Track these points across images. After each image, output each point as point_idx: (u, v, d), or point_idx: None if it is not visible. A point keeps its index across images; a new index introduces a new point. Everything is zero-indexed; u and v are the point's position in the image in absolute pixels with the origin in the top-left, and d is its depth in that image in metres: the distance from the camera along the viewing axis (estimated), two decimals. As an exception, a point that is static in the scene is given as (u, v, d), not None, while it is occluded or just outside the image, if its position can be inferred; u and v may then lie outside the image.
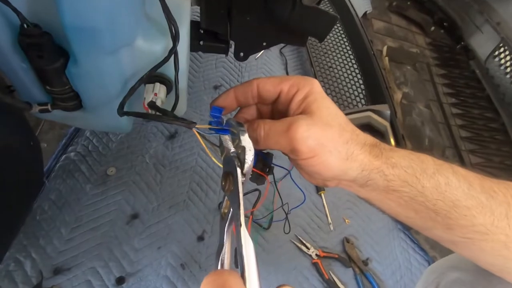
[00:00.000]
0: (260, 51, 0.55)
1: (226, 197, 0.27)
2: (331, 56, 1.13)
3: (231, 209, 0.26)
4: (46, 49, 0.26)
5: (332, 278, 0.72)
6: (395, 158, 0.27)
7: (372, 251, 0.79)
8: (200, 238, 0.70)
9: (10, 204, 0.37)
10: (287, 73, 1.10)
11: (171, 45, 0.33)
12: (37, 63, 0.27)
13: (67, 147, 0.75)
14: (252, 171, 0.30)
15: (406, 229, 0.84)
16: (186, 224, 0.71)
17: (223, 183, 0.26)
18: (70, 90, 0.32)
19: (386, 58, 1.27)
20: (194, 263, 0.67)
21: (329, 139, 0.26)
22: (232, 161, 0.25)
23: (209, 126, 0.28)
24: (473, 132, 1.18)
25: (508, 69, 1.21)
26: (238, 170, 0.24)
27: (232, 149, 0.27)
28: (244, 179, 0.25)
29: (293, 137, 0.25)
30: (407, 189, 0.27)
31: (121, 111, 0.29)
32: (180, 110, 0.39)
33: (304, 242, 0.76)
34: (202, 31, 0.56)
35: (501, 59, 1.24)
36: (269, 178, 0.31)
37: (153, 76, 0.34)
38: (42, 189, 0.67)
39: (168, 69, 0.34)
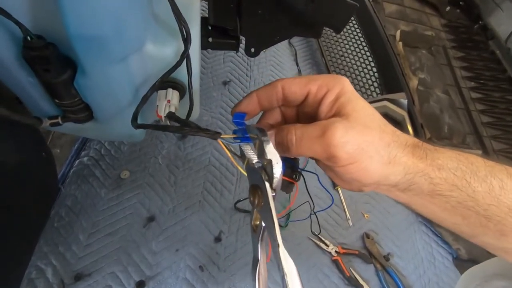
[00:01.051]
0: (272, 45, 0.52)
1: (255, 209, 0.26)
2: (342, 45, 1.08)
3: (263, 224, 0.24)
4: (52, 61, 0.25)
5: (353, 275, 0.71)
6: (442, 159, 0.25)
7: (393, 245, 0.77)
8: (217, 239, 0.69)
9: (27, 217, 0.36)
10: (297, 64, 1.07)
11: (182, 47, 0.31)
12: (44, 76, 0.26)
13: (80, 152, 0.75)
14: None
15: (428, 221, 0.82)
16: (202, 225, 0.70)
17: (252, 198, 0.24)
18: (80, 102, 0.30)
19: (400, 43, 1.21)
20: (213, 265, 0.66)
21: (369, 142, 0.24)
22: (259, 175, 0.23)
23: (234, 136, 0.26)
24: (494, 117, 1.13)
25: (532, 48, 1.14)
26: (267, 185, 0.23)
27: (255, 159, 0.25)
28: (274, 194, 0.23)
29: (330, 143, 0.23)
30: (456, 193, 0.24)
31: (135, 124, 0.27)
32: (194, 115, 0.37)
33: (323, 239, 0.74)
34: (210, 28, 0.54)
35: (523, 37, 1.17)
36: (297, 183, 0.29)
37: (165, 81, 0.32)
38: (58, 195, 0.67)
39: (181, 73, 0.32)
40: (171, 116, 0.28)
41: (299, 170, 0.29)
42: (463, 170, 0.25)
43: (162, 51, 0.30)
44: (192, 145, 0.81)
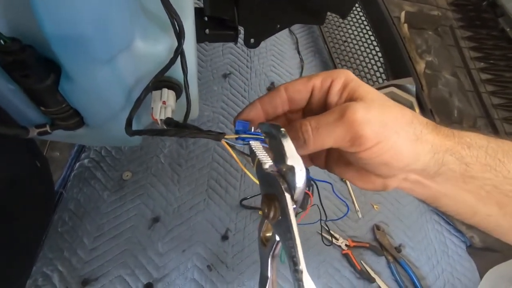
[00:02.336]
0: (273, 34, 0.49)
1: (265, 221, 0.23)
2: (345, 30, 1.04)
3: (276, 238, 0.22)
4: (30, 66, 0.22)
5: (365, 268, 0.69)
6: (469, 137, 0.23)
7: (404, 236, 0.75)
8: (225, 237, 0.68)
9: (23, 231, 0.34)
10: (298, 53, 1.03)
11: (175, 43, 0.28)
12: (24, 83, 0.23)
13: (80, 154, 0.73)
14: None
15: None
16: (208, 224, 0.69)
17: (266, 210, 0.21)
18: (68, 108, 0.28)
19: (405, 25, 1.16)
20: (221, 264, 0.65)
21: (392, 118, 0.22)
22: (277, 183, 0.20)
23: (239, 136, 0.23)
24: (506, 98, 1.09)
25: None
26: (288, 197, 0.19)
27: (269, 163, 0.22)
28: (295, 206, 0.20)
29: (353, 121, 0.21)
30: (490, 174, 0.22)
31: (130, 131, 0.25)
32: (193, 114, 0.35)
33: (332, 233, 0.72)
34: (206, 19, 0.51)
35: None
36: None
37: (159, 81, 0.29)
38: (60, 199, 0.66)
39: (176, 71, 0.30)
40: (169, 122, 0.25)
41: (312, 179, 0.26)
42: (494, 148, 0.22)
43: (154, 48, 0.28)
44: (194, 142, 0.79)
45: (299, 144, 0.23)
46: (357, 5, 1.06)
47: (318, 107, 0.25)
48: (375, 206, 0.78)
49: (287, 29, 1.08)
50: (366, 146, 0.21)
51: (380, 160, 0.22)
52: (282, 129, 0.21)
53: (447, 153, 0.22)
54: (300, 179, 0.19)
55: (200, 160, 0.77)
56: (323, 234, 0.72)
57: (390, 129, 0.21)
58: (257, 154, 0.23)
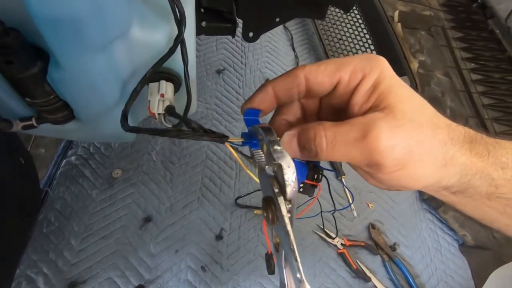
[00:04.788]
0: (272, 28, 0.48)
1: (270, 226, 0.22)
2: (340, 27, 1.03)
3: (284, 249, 0.20)
4: (15, 51, 0.20)
5: (360, 267, 0.69)
6: (506, 156, 0.21)
7: (399, 235, 0.75)
8: (219, 237, 0.66)
9: (6, 232, 0.32)
10: (293, 50, 1.02)
11: (175, 31, 0.26)
12: (7, 70, 0.21)
13: (67, 151, 0.69)
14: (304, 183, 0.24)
15: (433, 208, 0.80)
16: (202, 223, 0.67)
17: (265, 214, 0.19)
18: (56, 100, 0.25)
19: (399, 24, 1.17)
20: (215, 264, 0.63)
21: (421, 143, 0.19)
22: (269, 185, 0.19)
23: (242, 140, 0.21)
24: (495, 99, 1.11)
25: (533, 27, 1.11)
26: (280, 200, 0.18)
27: (266, 166, 0.21)
28: (290, 206, 0.18)
29: (374, 149, 0.19)
30: None
31: (126, 126, 0.23)
32: (191, 109, 0.33)
33: (328, 231, 0.71)
34: (203, 11, 0.48)
35: (524, 15, 1.13)
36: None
37: (157, 72, 0.27)
38: (45, 198, 0.63)
39: (174, 62, 0.28)
40: (171, 111, 0.23)
41: (321, 169, 0.25)
42: None
43: (152, 36, 0.26)
44: (187, 139, 0.76)
45: (310, 154, 0.21)
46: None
47: (339, 102, 0.23)
48: (370, 205, 0.78)
49: (281, 26, 1.07)
50: (384, 172, 0.20)
51: (396, 183, 0.21)
52: (272, 133, 0.20)
53: (476, 175, 0.20)
54: (289, 176, 0.18)
55: (193, 158, 0.74)
56: (318, 233, 0.71)
57: (415, 156, 0.19)
58: (255, 157, 0.21)
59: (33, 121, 0.26)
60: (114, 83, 0.26)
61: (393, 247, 0.73)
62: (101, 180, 0.67)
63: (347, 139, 0.19)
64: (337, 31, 1.02)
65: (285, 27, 1.06)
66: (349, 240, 0.71)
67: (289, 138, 0.21)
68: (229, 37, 0.98)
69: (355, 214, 0.76)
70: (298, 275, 0.17)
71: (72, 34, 0.19)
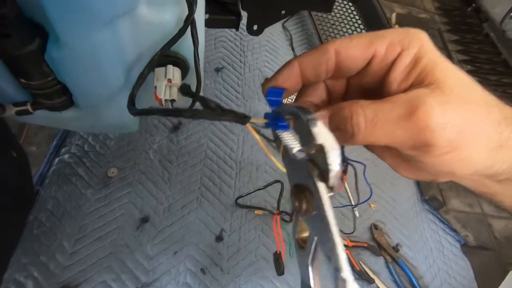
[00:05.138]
0: (277, 21, 0.46)
1: (300, 218, 0.20)
2: (339, 27, 1.03)
3: (315, 238, 0.18)
4: (12, 23, 0.18)
5: (363, 269, 0.67)
6: None
7: (401, 236, 0.74)
8: (219, 238, 0.63)
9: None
10: (292, 49, 1.01)
11: (184, 12, 0.24)
12: (2, 45, 0.19)
13: (60, 149, 0.67)
14: None
15: (435, 209, 0.79)
16: (202, 224, 0.64)
17: (297, 204, 0.17)
18: (55, 83, 0.23)
19: (396, 26, 1.17)
20: (215, 266, 0.61)
21: (473, 122, 0.17)
22: (306, 170, 0.17)
23: (266, 121, 0.20)
24: (492, 100, 1.12)
25: (528, 30, 1.13)
26: (320, 185, 0.16)
27: (296, 147, 0.18)
28: (332, 194, 0.16)
29: (424, 126, 0.16)
30: None
31: (134, 110, 0.21)
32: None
33: (330, 232, 0.70)
34: (206, 2, 0.47)
35: (519, 19, 1.15)
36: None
37: (164, 56, 0.25)
38: (36, 198, 0.60)
39: (182, 46, 0.26)
40: (186, 90, 0.21)
41: (347, 159, 0.23)
42: None
43: (160, 16, 0.24)
44: (185, 137, 0.74)
45: (344, 136, 0.18)
46: (350, 4, 1.06)
47: (371, 81, 0.20)
48: (371, 205, 0.76)
49: (280, 25, 1.06)
50: (433, 155, 0.17)
51: (444, 168, 0.18)
52: (311, 114, 0.18)
53: None
54: (333, 160, 0.16)
55: (192, 156, 0.72)
56: (320, 234, 0.69)
57: (467, 137, 0.17)
58: (282, 139, 0.19)
59: (28, 107, 0.24)
60: (119, 65, 0.24)
61: (396, 248, 0.71)
62: (96, 179, 0.64)
63: (391, 117, 0.17)
64: (336, 31, 1.02)
65: (284, 27, 1.05)
66: (351, 241, 0.70)
67: (320, 119, 0.19)
68: (228, 35, 0.97)
69: (357, 214, 0.74)
70: (342, 274, 0.15)
71: (77, 4, 0.17)
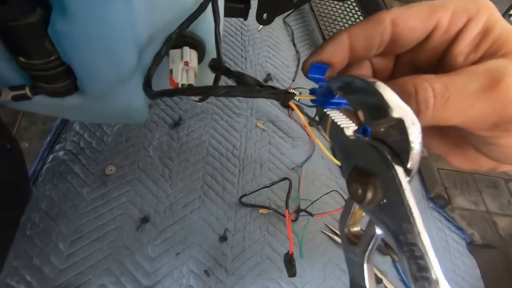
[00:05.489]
0: (288, 10, 0.44)
1: (354, 208, 0.17)
2: (341, 23, 1.01)
3: (377, 232, 0.16)
4: (11, -12, 0.15)
5: (371, 268, 0.66)
6: None
7: (408, 234, 0.73)
8: (223, 238, 0.61)
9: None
10: (294, 45, 0.99)
11: (203, -13, 0.22)
12: (-1, 15, 0.16)
13: (54, 145, 0.63)
14: None
15: (440, 207, 0.78)
16: (205, 224, 0.62)
17: (360, 191, 0.15)
18: (58, 64, 0.21)
19: (397, 23, 1.16)
20: (220, 267, 0.58)
21: None
22: (376, 152, 0.14)
23: (314, 97, 0.17)
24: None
25: (527, 29, 1.13)
26: (398, 170, 0.13)
27: (352, 127, 0.16)
28: (409, 178, 0.14)
29: (509, 98, 0.14)
30: None
31: (151, 92, 0.18)
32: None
33: (337, 231, 0.68)
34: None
35: (518, 18, 1.16)
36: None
37: (181, 37, 0.23)
38: (29, 197, 0.56)
39: (200, 26, 0.23)
40: (217, 65, 0.18)
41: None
42: None
43: (177, -10, 0.21)
44: (186, 133, 0.72)
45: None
46: (353, 0, 1.04)
47: (428, 57, 0.18)
48: (377, 203, 0.75)
49: (281, 21, 1.04)
50: None
51: None
52: (372, 79, 0.15)
53: None
54: (415, 137, 0.13)
55: (193, 153, 0.69)
56: (326, 232, 0.67)
57: None
58: (332, 117, 0.17)
59: (27, 91, 0.21)
60: (132, 44, 0.21)
61: (402, 247, 0.70)
62: (93, 177, 0.61)
63: (468, 90, 0.15)
64: (338, 26, 1.00)
65: (285, 22, 1.03)
66: (358, 240, 0.68)
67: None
68: (229, 29, 0.94)
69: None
70: (432, 275, 0.12)
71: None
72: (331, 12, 1.03)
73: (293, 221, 0.66)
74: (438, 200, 0.78)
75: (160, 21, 0.22)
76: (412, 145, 0.13)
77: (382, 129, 0.14)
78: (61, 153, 0.62)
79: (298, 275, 0.60)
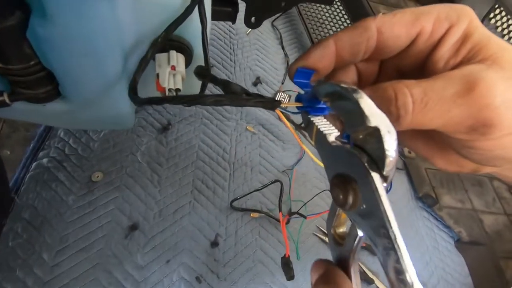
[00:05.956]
0: (277, 13, 0.44)
1: (338, 210, 0.18)
2: (329, 27, 1.03)
3: (359, 233, 0.16)
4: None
5: (362, 269, 0.66)
6: None
7: (398, 234, 0.73)
8: (214, 244, 0.60)
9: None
10: (282, 48, 1.00)
11: (189, -10, 0.21)
12: (-27, 18, 0.15)
13: (37, 153, 0.61)
14: None
15: (428, 206, 0.80)
16: (195, 230, 0.61)
17: (341, 196, 0.15)
18: (38, 69, 0.20)
19: (383, 26, 1.19)
20: (211, 274, 0.57)
21: None
22: (355, 159, 0.15)
23: (300, 104, 0.17)
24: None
25: (505, 31, 1.18)
26: (375, 176, 0.14)
27: (334, 133, 0.16)
28: (386, 184, 0.14)
29: (487, 104, 0.14)
30: None
31: (137, 99, 0.17)
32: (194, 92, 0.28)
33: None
34: (201, -8, 0.44)
35: (497, 20, 1.20)
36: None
37: (167, 41, 0.22)
38: (11, 207, 0.54)
39: (187, 29, 0.23)
40: (202, 72, 0.18)
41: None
42: None
43: (163, -7, 0.21)
44: (175, 138, 0.71)
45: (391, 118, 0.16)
46: (339, 3, 1.06)
47: (411, 62, 0.19)
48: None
49: (269, 24, 1.05)
50: (493, 136, 0.15)
51: (500, 154, 0.17)
52: (358, 90, 0.16)
53: None
54: (390, 145, 0.14)
55: (183, 158, 0.69)
56: (318, 235, 0.67)
57: None
58: (317, 124, 0.17)
59: (5, 97, 0.20)
60: (117, 47, 0.20)
61: (393, 247, 0.71)
62: (79, 184, 0.59)
63: (445, 95, 0.15)
64: (326, 30, 1.01)
65: (273, 26, 1.04)
66: (349, 242, 0.68)
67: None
68: (217, 33, 0.94)
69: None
70: (407, 277, 0.13)
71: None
72: (319, 16, 1.04)
73: (286, 223, 0.66)
74: (426, 199, 0.79)
75: (146, 24, 0.22)
76: (387, 153, 0.14)
77: (361, 136, 0.14)
78: (45, 160, 0.60)
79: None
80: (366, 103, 0.14)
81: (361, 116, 0.14)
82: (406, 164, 0.84)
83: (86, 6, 0.17)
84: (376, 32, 0.18)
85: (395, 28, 0.18)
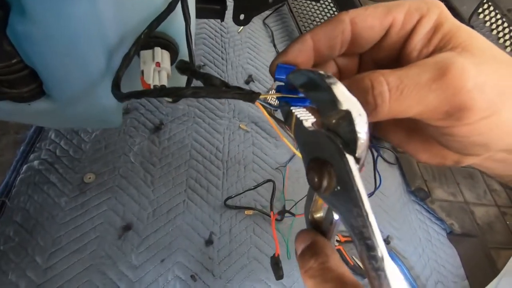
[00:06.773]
0: (265, 10, 0.44)
1: (315, 196, 0.18)
2: (320, 23, 1.03)
3: (335, 217, 0.17)
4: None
5: (357, 263, 0.67)
6: None
7: (391, 228, 0.74)
8: (209, 242, 0.60)
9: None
10: (274, 46, 1.00)
11: (172, -13, 0.21)
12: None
13: (28, 155, 0.60)
14: None
15: (421, 199, 0.81)
16: (190, 228, 0.61)
17: (317, 179, 0.15)
18: (20, 67, 0.20)
19: (374, 23, 1.20)
20: (206, 272, 0.58)
21: (510, 84, 0.16)
22: (328, 142, 0.15)
23: (279, 95, 0.17)
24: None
25: (494, 25, 1.19)
26: (349, 158, 0.14)
27: (310, 119, 0.17)
28: (358, 166, 0.14)
29: (460, 87, 0.15)
30: None
31: (120, 94, 0.18)
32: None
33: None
34: (189, -10, 0.44)
35: (485, 15, 1.22)
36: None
37: (151, 37, 0.22)
38: (2, 211, 0.53)
39: (171, 25, 0.23)
40: (184, 67, 0.18)
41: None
42: None
43: (145, -11, 0.21)
44: (168, 138, 0.71)
45: (367, 108, 0.16)
46: (330, 0, 1.06)
47: (387, 54, 0.19)
48: (361, 199, 0.76)
49: (261, 22, 1.05)
50: (469, 120, 0.16)
51: (477, 140, 0.17)
52: (331, 76, 0.16)
53: None
54: (361, 127, 0.14)
55: (176, 158, 0.68)
56: (313, 231, 0.68)
57: (507, 99, 0.15)
58: (293, 111, 0.17)
59: (-12, 97, 0.20)
60: (99, 44, 0.20)
61: (387, 241, 0.71)
62: (71, 186, 0.59)
63: (420, 81, 0.15)
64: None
65: (264, 24, 1.04)
66: (343, 236, 0.69)
67: None
68: (208, 32, 0.94)
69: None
70: (377, 253, 0.13)
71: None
72: (310, 13, 1.04)
73: (278, 220, 0.66)
74: (418, 193, 0.80)
75: (129, 21, 0.21)
76: (358, 135, 0.14)
77: (333, 121, 0.15)
78: (36, 162, 0.60)
79: (286, 274, 0.60)
80: (339, 89, 0.15)
81: (333, 100, 0.14)
82: (398, 159, 0.85)
83: (65, 4, 0.17)
84: (350, 24, 0.18)
85: (368, 20, 0.18)
